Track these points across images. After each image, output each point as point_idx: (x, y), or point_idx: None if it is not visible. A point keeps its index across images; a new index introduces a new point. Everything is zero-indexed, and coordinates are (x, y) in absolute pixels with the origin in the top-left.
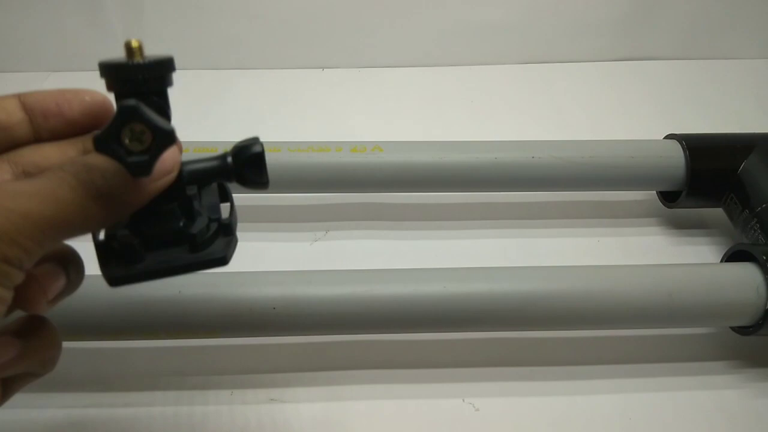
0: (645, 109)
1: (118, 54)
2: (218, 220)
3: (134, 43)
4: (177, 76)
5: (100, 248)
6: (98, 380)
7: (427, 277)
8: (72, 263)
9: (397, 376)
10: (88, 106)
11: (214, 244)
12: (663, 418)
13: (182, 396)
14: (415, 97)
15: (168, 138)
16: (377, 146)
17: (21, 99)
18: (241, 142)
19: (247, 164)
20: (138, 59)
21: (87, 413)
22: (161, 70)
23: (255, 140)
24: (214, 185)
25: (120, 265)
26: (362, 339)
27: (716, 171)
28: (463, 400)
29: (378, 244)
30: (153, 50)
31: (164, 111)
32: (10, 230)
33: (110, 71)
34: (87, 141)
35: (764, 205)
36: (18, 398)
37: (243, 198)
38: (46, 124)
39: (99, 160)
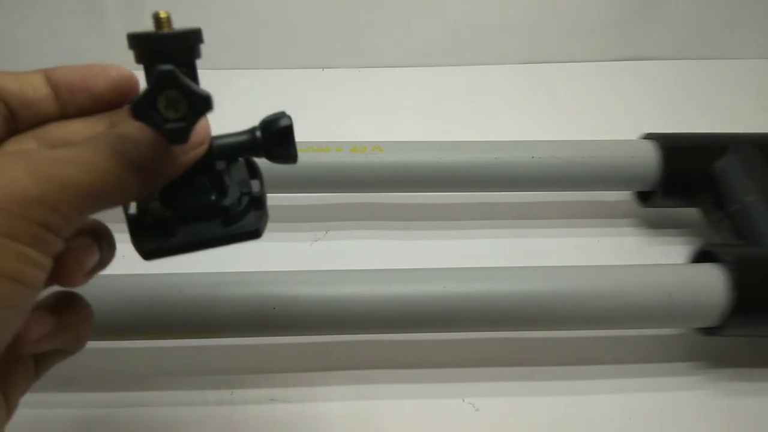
0: (645, 109)
1: (117, 54)
2: (249, 193)
3: (162, 14)
4: None
5: (133, 221)
6: (98, 380)
7: (427, 277)
8: (104, 238)
9: (397, 376)
10: (115, 81)
11: (246, 218)
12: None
13: (182, 396)
14: (415, 97)
15: (205, 104)
16: (377, 146)
17: (47, 74)
18: (269, 116)
19: (275, 138)
20: (166, 30)
21: (87, 413)
22: (190, 41)
23: (283, 114)
24: (242, 161)
25: (153, 239)
26: (362, 339)
27: (690, 171)
28: (463, 400)
29: (378, 244)
30: None
31: (195, 83)
32: (50, 196)
33: (139, 42)
34: (114, 116)
35: (737, 206)
36: None
37: None
38: (73, 99)
39: (133, 131)
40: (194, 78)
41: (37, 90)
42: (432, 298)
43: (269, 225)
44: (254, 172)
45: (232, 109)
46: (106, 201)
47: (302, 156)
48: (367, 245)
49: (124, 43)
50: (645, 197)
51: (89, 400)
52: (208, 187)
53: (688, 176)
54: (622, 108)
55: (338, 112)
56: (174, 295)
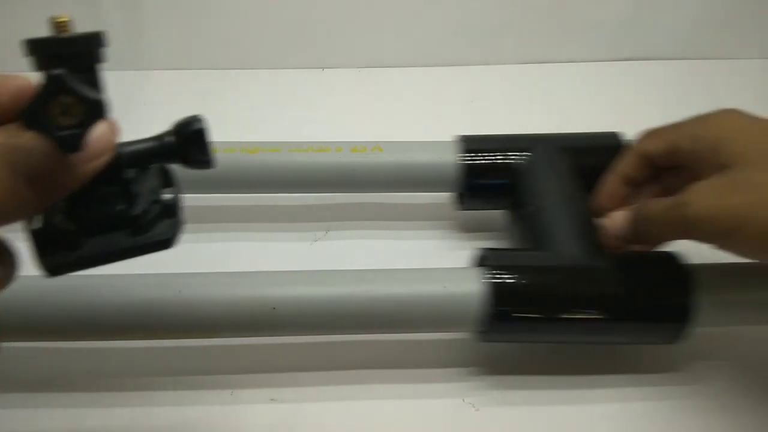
0: (645, 109)
1: (116, 54)
2: (160, 201)
3: (61, 18)
4: (177, 76)
5: (36, 236)
6: (98, 380)
7: (426, 276)
8: (3, 255)
9: (397, 375)
10: (19, 91)
11: (158, 227)
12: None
13: (182, 396)
14: (415, 97)
15: (98, 108)
16: (377, 146)
17: None
18: (181, 119)
19: (188, 142)
20: (66, 34)
21: (86, 413)
22: (90, 45)
23: (195, 117)
24: (157, 169)
25: (58, 254)
26: (362, 339)
27: (491, 172)
28: (463, 400)
29: (378, 244)
30: (155, 49)
31: (96, 88)
32: None
33: (36, 47)
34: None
35: (531, 208)
36: (16, 398)
37: (243, 198)
38: None
39: (25, 140)
40: (96, 84)
41: None
42: (431, 298)
43: (269, 225)
44: (168, 179)
45: (232, 109)
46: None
47: (302, 156)
48: (367, 245)
49: (124, 43)
50: (459, 199)
51: (89, 400)
52: (116, 196)
53: (489, 178)
54: (623, 108)
55: (338, 112)
56: (173, 295)
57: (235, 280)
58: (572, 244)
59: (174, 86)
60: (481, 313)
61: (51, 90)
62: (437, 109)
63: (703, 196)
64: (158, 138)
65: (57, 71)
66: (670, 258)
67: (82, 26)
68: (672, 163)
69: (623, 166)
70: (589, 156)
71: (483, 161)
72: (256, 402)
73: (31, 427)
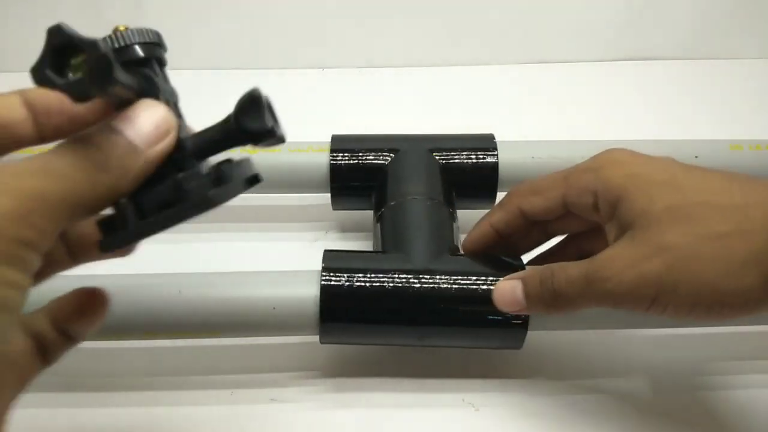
0: (645, 109)
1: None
2: (219, 169)
3: (122, 28)
4: (177, 77)
5: (103, 226)
6: (98, 380)
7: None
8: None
9: (397, 375)
10: (92, 100)
11: (211, 191)
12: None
13: (182, 396)
14: (415, 97)
15: (95, 49)
16: None
17: (23, 96)
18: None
19: (245, 111)
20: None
21: (87, 413)
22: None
23: (253, 88)
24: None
25: (113, 232)
26: None
27: (356, 173)
28: (463, 400)
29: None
30: None
31: (165, 82)
32: (23, 211)
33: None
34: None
35: (383, 210)
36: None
37: (243, 198)
38: (50, 121)
39: (94, 131)
40: (154, 83)
41: (13, 111)
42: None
43: (269, 225)
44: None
45: (233, 109)
46: (82, 207)
47: (302, 156)
48: (367, 246)
49: None
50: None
51: (89, 400)
52: (179, 181)
53: (355, 178)
54: (622, 108)
55: (338, 112)
56: (174, 295)
57: (235, 280)
58: (422, 246)
59: (175, 86)
60: (315, 315)
61: (50, 40)
62: (437, 109)
63: (619, 268)
64: (222, 121)
65: (57, 24)
66: (514, 263)
67: (83, 26)
68: (556, 215)
69: (497, 220)
70: (460, 158)
71: (351, 161)
72: (256, 402)
73: (31, 427)
